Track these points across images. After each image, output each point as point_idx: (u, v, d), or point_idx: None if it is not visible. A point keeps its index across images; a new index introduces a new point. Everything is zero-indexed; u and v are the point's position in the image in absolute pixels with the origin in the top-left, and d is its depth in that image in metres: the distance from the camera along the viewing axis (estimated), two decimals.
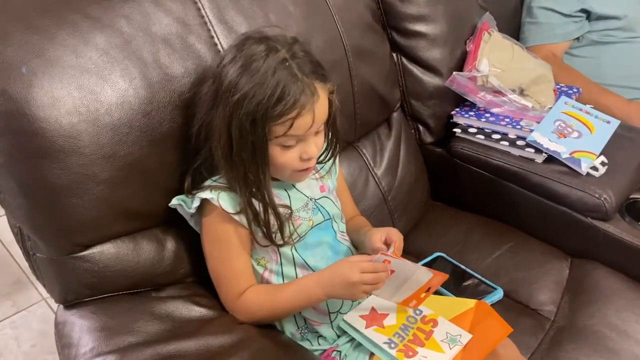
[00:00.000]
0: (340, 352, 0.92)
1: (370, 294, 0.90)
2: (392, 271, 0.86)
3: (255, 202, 0.86)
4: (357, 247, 1.02)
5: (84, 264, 0.87)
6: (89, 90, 0.83)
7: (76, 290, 0.88)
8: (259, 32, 0.87)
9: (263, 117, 0.80)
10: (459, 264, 1.19)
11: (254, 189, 0.85)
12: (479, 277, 1.15)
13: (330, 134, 0.94)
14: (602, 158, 1.21)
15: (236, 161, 0.84)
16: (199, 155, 0.89)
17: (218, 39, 0.95)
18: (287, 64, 0.81)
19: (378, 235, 0.94)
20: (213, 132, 0.84)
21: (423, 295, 0.90)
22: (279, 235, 0.89)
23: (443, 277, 0.89)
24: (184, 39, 0.92)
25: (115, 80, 0.85)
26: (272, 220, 0.87)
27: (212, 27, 0.95)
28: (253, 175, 0.84)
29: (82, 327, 0.84)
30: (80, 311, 0.87)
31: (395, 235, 0.93)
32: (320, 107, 0.84)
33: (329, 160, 0.99)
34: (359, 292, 0.84)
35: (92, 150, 0.83)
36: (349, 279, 0.83)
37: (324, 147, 0.96)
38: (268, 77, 0.80)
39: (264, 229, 0.87)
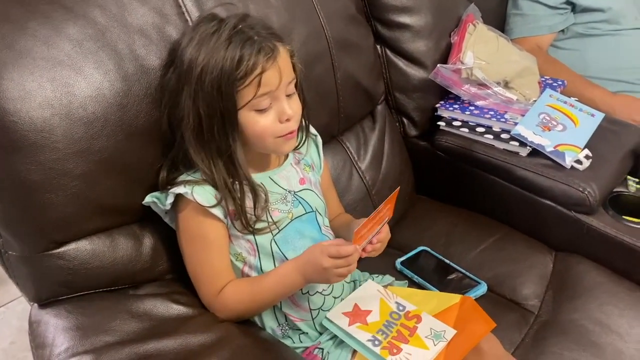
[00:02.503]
0: (322, 349, 0.90)
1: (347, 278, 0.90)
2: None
3: (232, 183, 0.86)
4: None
5: (58, 261, 0.85)
6: (61, 82, 0.80)
7: (51, 289, 0.86)
8: (211, 14, 0.88)
9: (228, 83, 0.80)
10: (443, 258, 1.18)
11: (228, 163, 0.85)
12: (463, 271, 1.15)
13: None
14: (586, 151, 1.21)
15: (208, 137, 0.83)
16: (173, 147, 0.87)
17: None
18: (240, 27, 0.82)
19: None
20: (182, 115, 0.83)
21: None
22: (255, 222, 0.88)
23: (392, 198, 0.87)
24: (161, 30, 0.89)
25: (90, 72, 0.82)
26: (249, 202, 0.86)
27: (190, 17, 0.93)
28: (225, 147, 0.84)
29: (56, 326, 0.82)
30: (54, 310, 0.85)
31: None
32: (284, 62, 0.84)
33: (304, 143, 0.98)
34: (332, 276, 0.84)
35: (65, 145, 0.80)
36: (321, 265, 0.82)
37: None
38: (225, 44, 0.81)
39: (240, 209, 0.85)
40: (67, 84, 0.80)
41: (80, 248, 0.86)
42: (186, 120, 0.83)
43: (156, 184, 0.89)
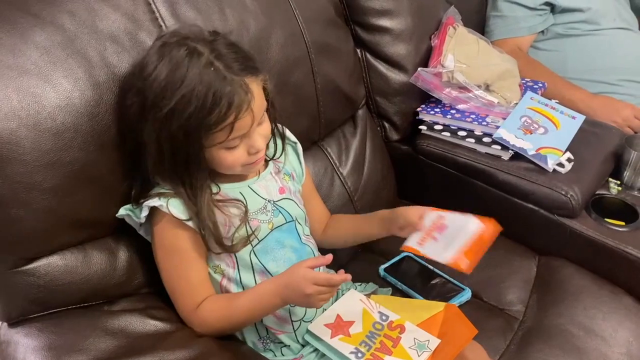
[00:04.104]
0: None
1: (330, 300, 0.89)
2: (444, 227, 0.89)
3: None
4: (355, 240, 1.08)
5: (28, 278, 0.81)
6: (28, 92, 0.77)
7: (21, 307, 0.83)
8: (175, 33, 0.81)
9: (198, 128, 0.76)
10: (427, 264, 1.16)
11: (190, 194, 0.82)
12: (447, 277, 1.13)
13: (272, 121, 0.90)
14: (568, 154, 1.21)
15: (169, 170, 0.81)
16: (141, 165, 0.84)
17: None
18: (213, 67, 0.76)
19: (415, 213, 0.92)
20: (142, 143, 0.80)
21: (476, 246, 0.88)
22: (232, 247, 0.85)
23: (495, 227, 0.90)
24: (133, 36, 0.86)
25: (58, 81, 0.79)
26: (221, 221, 0.84)
27: (164, 23, 0.90)
28: (188, 182, 0.81)
29: (27, 346, 0.79)
30: (25, 329, 0.81)
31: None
32: (257, 103, 0.80)
33: (282, 152, 0.97)
34: (315, 302, 0.81)
35: (34, 158, 0.77)
36: (303, 291, 0.80)
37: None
38: (196, 86, 0.75)
39: (213, 234, 0.83)
40: (35, 93, 0.77)
41: (52, 264, 0.83)
42: (148, 150, 0.80)
43: (129, 194, 0.86)
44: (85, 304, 0.86)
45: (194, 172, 0.81)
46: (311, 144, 1.21)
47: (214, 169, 0.84)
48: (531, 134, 1.23)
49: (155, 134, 0.78)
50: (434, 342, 0.87)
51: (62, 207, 0.81)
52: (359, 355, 0.84)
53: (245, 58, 0.81)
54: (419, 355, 0.85)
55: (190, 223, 0.82)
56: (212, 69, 0.76)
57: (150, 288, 0.92)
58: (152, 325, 0.84)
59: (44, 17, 0.81)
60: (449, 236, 0.90)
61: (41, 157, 0.77)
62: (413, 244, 0.90)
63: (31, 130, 0.77)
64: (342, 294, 0.98)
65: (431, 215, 0.92)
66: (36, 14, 0.80)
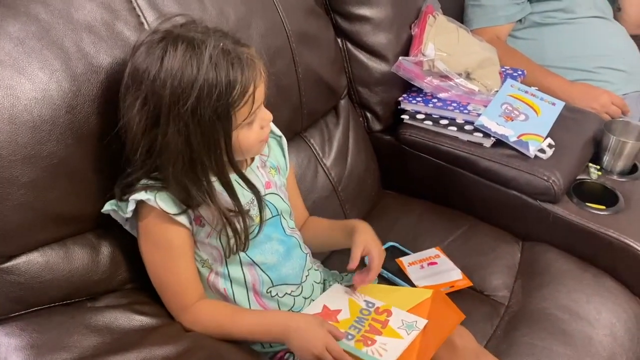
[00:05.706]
0: (292, 354, 0.87)
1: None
2: (435, 263, 1.12)
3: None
4: (324, 246, 1.06)
5: (8, 276, 0.79)
6: (3, 84, 0.74)
7: (1, 306, 0.80)
8: (155, 32, 0.79)
9: (227, 107, 0.76)
10: (412, 253, 1.17)
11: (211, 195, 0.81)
12: None
13: None
14: (549, 140, 1.22)
15: (198, 171, 0.79)
16: (131, 168, 0.81)
17: (148, 26, 0.88)
18: (222, 44, 0.77)
19: (360, 249, 0.92)
20: (162, 149, 0.77)
21: (443, 289, 1.05)
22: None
23: (468, 282, 1.10)
24: (110, 26, 0.84)
25: (34, 72, 0.77)
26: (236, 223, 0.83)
27: (142, 12, 0.88)
28: (222, 175, 0.81)
29: (8, 346, 0.76)
30: (6, 328, 0.78)
31: (377, 256, 0.93)
32: (264, 68, 0.82)
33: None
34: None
35: (10, 152, 0.74)
36: (312, 348, 0.78)
37: None
38: (212, 68, 0.75)
39: (231, 236, 0.83)
40: (9, 85, 0.75)
41: (32, 261, 0.80)
42: (173, 156, 0.77)
43: (110, 188, 0.83)
44: (68, 301, 0.84)
45: (222, 167, 0.80)
46: (294, 135, 1.20)
47: (236, 156, 0.83)
48: (512, 120, 1.24)
49: (183, 134, 0.75)
50: (422, 322, 0.87)
51: (40, 202, 0.78)
52: (349, 337, 0.84)
53: (235, 37, 0.81)
54: (408, 334, 0.85)
55: (179, 218, 0.81)
56: (221, 45, 0.77)
57: (135, 283, 0.90)
58: (138, 320, 0.83)
59: (16, 7, 0.78)
60: (434, 271, 1.10)
61: (17, 150, 0.75)
62: (405, 261, 1.14)
63: (6, 124, 0.74)
64: (329, 284, 0.98)
65: (432, 250, 1.16)
66: (9, 4, 0.78)
